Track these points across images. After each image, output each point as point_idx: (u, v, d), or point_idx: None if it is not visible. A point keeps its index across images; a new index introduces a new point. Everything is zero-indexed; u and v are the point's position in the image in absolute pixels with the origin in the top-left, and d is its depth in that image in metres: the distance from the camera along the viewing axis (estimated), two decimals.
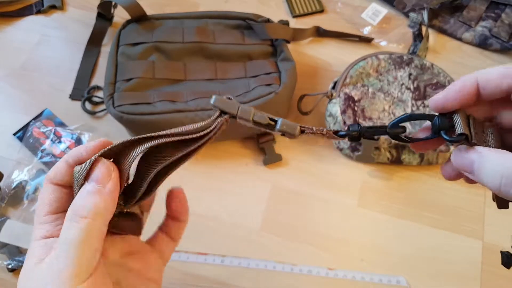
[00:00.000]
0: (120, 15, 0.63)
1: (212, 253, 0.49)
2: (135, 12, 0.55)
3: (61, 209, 0.25)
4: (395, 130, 0.25)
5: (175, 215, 0.32)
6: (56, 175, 0.25)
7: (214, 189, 0.53)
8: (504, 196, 0.21)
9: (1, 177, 0.52)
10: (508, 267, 0.25)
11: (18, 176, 0.53)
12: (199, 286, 0.47)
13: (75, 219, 0.22)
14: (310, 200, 0.53)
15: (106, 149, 0.24)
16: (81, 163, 0.24)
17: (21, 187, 0.52)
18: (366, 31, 0.66)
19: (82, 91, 0.59)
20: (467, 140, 0.23)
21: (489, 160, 0.21)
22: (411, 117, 0.25)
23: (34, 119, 0.57)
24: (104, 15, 0.63)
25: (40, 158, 0.54)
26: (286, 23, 0.59)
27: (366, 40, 0.65)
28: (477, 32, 0.64)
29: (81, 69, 0.60)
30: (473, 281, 0.49)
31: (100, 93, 0.59)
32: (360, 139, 0.26)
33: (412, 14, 0.61)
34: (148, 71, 0.52)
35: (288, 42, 0.57)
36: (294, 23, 0.66)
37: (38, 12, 0.65)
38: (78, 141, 0.56)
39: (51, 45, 0.63)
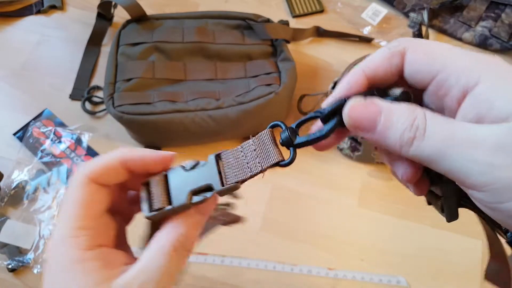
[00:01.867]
0: (120, 15, 0.63)
1: (212, 253, 0.49)
2: (135, 12, 0.55)
3: (103, 211, 0.23)
4: (328, 128, 0.21)
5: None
6: (104, 175, 0.22)
7: None
8: (406, 156, 0.18)
9: (1, 177, 0.52)
10: None
11: (18, 176, 0.53)
12: (199, 286, 0.47)
13: (182, 253, 0.21)
14: (310, 200, 0.53)
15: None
16: (143, 169, 0.23)
17: (21, 187, 0.52)
18: (366, 31, 0.66)
19: (82, 91, 0.59)
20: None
21: (396, 114, 0.18)
22: (301, 122, 0.22)
23: (34, 119, 0.57)
24: (104, 15, 0.63)
25: (40, 158, 0.54)
26: (286, 23, 0.59)
27: (366, 40, 0.65)
28: (477, 32, 0.64)
29: (81, 69, 0.60)
30: (473, 281, 0.49)
31: (100, 93, 0.59)
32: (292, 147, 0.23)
33: (412, 14, 0.61)
34: (148, 71, 0.52)
35: (288, 42, 0.57)
36: (294, 23, 0.66)
37: (38, 12, 0.65)
38: (78, 141, 0.56)
39: (51, 45, 0.63)
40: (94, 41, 0.62)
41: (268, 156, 0.22)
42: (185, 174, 0.23)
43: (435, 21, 0.66)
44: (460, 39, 0.65)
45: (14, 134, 0.56)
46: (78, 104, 0.58)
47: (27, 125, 0.56)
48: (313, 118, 0.22)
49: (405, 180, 0.22)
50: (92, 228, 0.21)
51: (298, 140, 0.22)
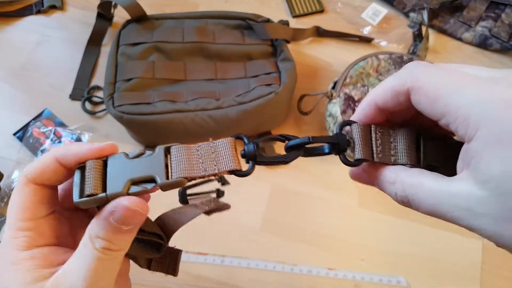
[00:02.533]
0: (120, 15, 0.63)
1: (212, 253, 0.49)
2: (135, 12, 0.55)
3: (44, 213, 0.22)
4: (291, 156, 0.23)
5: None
6: (42, 174, 0.22)
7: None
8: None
9: (1, 177, 0.52)
10: None
11: (18, 176, 0.53)
12: (199, 286, 0.47)
13: (106, 253, 0.20)
14: (310, 200, 0.53)
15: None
16: (78, 163, 0.21)
17: None
18: (366, 31, 0.66)
19: (82, 91, 0.58)
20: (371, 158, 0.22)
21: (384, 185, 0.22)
22: (312, 140, 0.22)
23: (34, 119, 0.57)
24: (104, 15, 0.63)
25: None
26: (286, 23, 0.59)
27: (366, 40, 0.65)
28: (477, 32, 0.64)
29: (81, 69, 0.60)
30: (473, 281, 0.49)
31: (100, 93, 0.59)
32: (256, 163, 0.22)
33: (412, 14, 0.61)
34: (148, 71, 0.52)
35: (288, 42, 0.57)
36: (294, 23, 0.66)
37: (38, 12, 0.65)
38: (78, 141, 0.56)
39: (51, 45, 0.63)
40: (94, 41, 0.62)
41: (227, 162, 0.21)
42: (127, 162, 0.21)
43: (435, 21, 0.66)
44: (460, 39, 0.65)
45: (14, 134, 0.56)
46: (78, 104, 0.58)
47: (27, 125, 0.56)
48: (277, 140, 0.23)
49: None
50: (31, 229, 0.21)
51: (262, 158, 0.22)
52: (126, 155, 0.21)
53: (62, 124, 0.57)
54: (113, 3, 0.61)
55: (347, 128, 0.23)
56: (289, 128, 0.58)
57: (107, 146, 0.22)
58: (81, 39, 0.63)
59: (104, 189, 0.20)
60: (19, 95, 0.59)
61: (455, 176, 0.19)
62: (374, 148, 0.22)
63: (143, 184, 0.20)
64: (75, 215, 0.25)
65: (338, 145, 0.22)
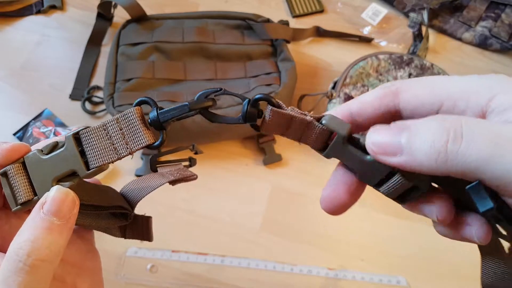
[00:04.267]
0: (120, 15, 0.63)
1: (212, 253, 0.49)
2: (135, 12, 0.55)
3: None
4: (199, 103, 0.20)
5: None
6: None
7: (214, 189, 0.53)
8: (440, 173, 0.16)
9: None
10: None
11: None
12: (199, 286, 0.47)
13: (30, 262, 0.18)
14: (310, 200, 0.53)
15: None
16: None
17: None
18: (366, 31, 0.66)
19: (82, 91, 0.58)
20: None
21: (422, 124, 0.16)
22: (224, 92, 0.20)
23: (34, 119, 0.57)
24: (104, 15, 0.63)
25: None
26: (286, 23, 0.59)
27: (366, 40, 0.65)
28: (477, 32, 0.64)
29: (81, 69, 0.60)
30: (473, 281, 0.49)
31: (100, 93, 0.58)
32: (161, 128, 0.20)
33: (412, 14, 0.61)
34: (148, 71, 0.52)
35: (288, 42, 0.57)
36: (294, 23, 0.66)
37: (38, 12, 0.65)
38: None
39: (51, 45, 0.63)
40: (94, 41, 0.62)
41: (137, 137, 0.20)
42: (44, 161, 0.21)
43: (435, 21, 0.66)
44: (460, 39, 0.65)
45: (14, 134, 0.56)
46: (78, 104, 0.58)
47: (27, 125, 0.56)
48: (240, 97, 0.21)
49: (441, 220, 0.19)
50: None
51: (164, 115, 0.20)
52: (41, 151, 0.21)
53: (62, 124, 0.57)
54: (113, 3, 0.61)
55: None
56: None
57: (17, 146, 0.21)
58: (81, 39, 0.63)
59: (34, 192, 0.21)
60: (19, 95, 0.59)
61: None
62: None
63: (68, 179, 0.20)
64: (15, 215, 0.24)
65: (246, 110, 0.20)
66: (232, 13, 0.57)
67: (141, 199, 0.25)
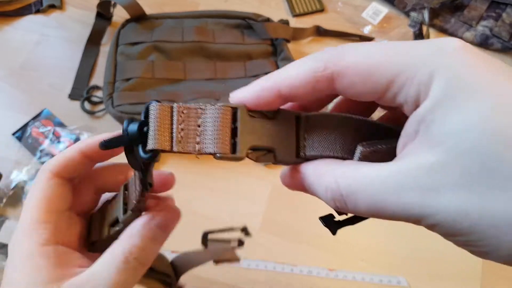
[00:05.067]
0: (120, 14, 0.63)
1: None
2: (134, 12, 0.55)
3: (65, 207, 0.22)
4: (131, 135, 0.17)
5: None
6: (66, 167, 0.22)
7: (214, 189, 0.53)
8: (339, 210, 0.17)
9: (0, 177, 0.51)
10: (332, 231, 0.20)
11: (17, 176, 0.53)
12: (198, 287, 0.47)
13: (136, 266, 0.20)
14: (310, 200, 0.53)
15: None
16: (103, 154, 0.22)
17: (20, 187, 0.52)
18: (366, 30, 0.66)
19: (81, 91, 0.58)
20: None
21: (309, 175, 0.17)
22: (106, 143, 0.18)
23: (33, 119, 0.56)
24: (103, 15, 0.63)
25: (39, 158, 0.54)
26: (286, 22, 0.59)
27: (366, 40, 0.64)
28: (478, 32, 0.64)
29: (80, 69, 0.60)
30: (473, 281, 0.49)
31: (99, 93, 0.58)
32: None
33: (412, 14, 0.61)
34: (147, 71, 0.52)
35: (288, 41, 0.56)
36: (294, 23, 0.66)
37: (37, 11, 0.65)
38: (77, 141, 0.55)
39: (50, 45, 0.62)
40: (93, 40, 0.62)
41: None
42: None
43: (435, 20, 0.65)
44: (461, 39, 0.65)
45: (13, 134, 0.56)
46: (77, 104, 0.58)
47: (26, 125, 0.56)
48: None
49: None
50: (52, 223, 0.21)
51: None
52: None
53: (61, 124, 0.56)
54: (112, 2, 0.61)
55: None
56: None
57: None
58: (80, 39, 0.62)
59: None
60: (18, 94, 0.59)
61: (396, 157, 0.15)
62: (175, 135, 0.17)
63: None
64: (82, 220, 0.24)
65: (128, 136, 0.17)
66: (232, 13, 0.57)
67: (187, 271, 0.26)
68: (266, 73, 0.52)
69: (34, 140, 0.55)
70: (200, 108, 0.17)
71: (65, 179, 0.22)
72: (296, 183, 0.19)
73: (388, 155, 0.17)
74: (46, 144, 0.55)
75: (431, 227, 0.15)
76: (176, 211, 0.22)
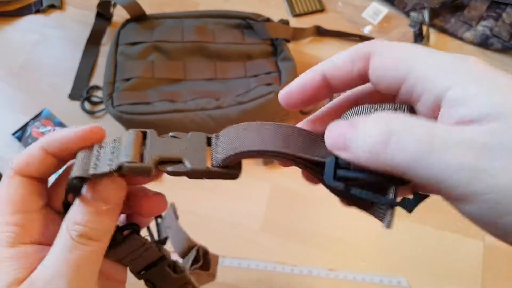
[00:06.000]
0: (120, 14, 0.63)
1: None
2: (134, 12, 0.55)
3: (36, 206, 0.21)
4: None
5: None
6: (28, 165, 0.21)
7: (214, 189, 0.53)
8: (383, 170, 0.16)
9: (0, 177, 0.51)
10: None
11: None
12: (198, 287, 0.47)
13: (83, 241, 0.19)
14: (310, 200, 0.53)
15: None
16: (66, 152, 0.21)
17: None
18: (366, 30, 0.66)
19: (81, 91, 0.58)
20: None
21: (363, 124, 0.17)
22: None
23: (33, 119, 0.56)
24: (103, 15, 0.63)
25: None
26: (286, 22, 0.59)
27: (366, 40, 0.64)
28: (478, 32, 0.63)
29: (80, 69, 0.60)
30: (474, 281, 0.49)
31: (99, 93, 0.58)
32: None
33: (413, 14, 0.61)
34: (147, 71, 0.52)
35: (288, 41, 0.56)
36: (294, 23, 0.66)
37: (37, 11, 0.65)
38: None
39: (50, 45, 0.62)
40: (93, 40, 0.62)
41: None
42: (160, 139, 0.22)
43: (436, 20, 0.65)
44: (461, 39, 0.65)
45: (13, 134, 0.56)
46: (77, 104, 0.58)
47: (26, 125, 0.56)
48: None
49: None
50: (18, 224, 0.20)
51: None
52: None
53: (61, 124, 0.56)
54: (112, 2, 0.61)
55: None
56: None
57: (94, 128, 0.21)
58: (80, 39, 0.62)
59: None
60: (18, 95, 0.58)
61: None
62: (91, 164, 0.20)
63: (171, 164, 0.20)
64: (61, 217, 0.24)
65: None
66: (232, 12, 0.57)
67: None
68: (266, 73, 0.53)
69: (34, 140, 0.55)
70: (115, 139, 0.20)
71: (33, 178, 0.21)
72: (340, 130, 0.18)
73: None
74: None
75: (472, 199, 0.14)
76: (117, 180, 0.20)
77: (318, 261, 0.49)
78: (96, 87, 0.59)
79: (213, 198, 0.52)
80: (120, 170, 0.19)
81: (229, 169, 0.21)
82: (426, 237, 0.51)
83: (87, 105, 0.58)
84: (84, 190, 0.20)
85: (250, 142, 0.19)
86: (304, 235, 0.51)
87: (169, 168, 0.20)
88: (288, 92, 0.20)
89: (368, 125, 0.16)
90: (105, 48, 0.62)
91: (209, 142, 0.21)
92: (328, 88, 0.20)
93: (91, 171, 0.19)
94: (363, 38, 0.64)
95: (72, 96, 0.58)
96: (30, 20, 0.64)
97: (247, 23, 0.56)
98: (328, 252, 0.50)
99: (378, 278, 0.48)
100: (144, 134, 0.21)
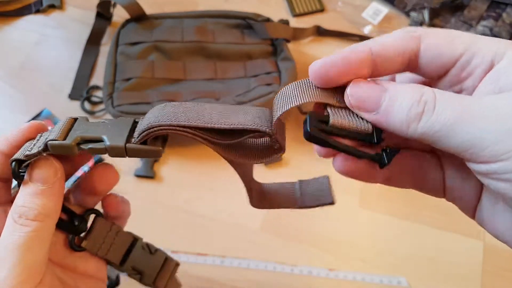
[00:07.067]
0: (120, 14, 0.63)
1: (212, 254, 0.49)
2: (134, 11, 0.55)
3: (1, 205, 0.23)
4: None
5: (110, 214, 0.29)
6: None
7: (214, 189, 0.53)
8: (407, 137, 0.17)
9: None
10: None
11: None
12: (198, 287, 0.47)
13: (22, 222, 0.20)
14: None
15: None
16: (18, 150, 0.22)
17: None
18: (366, 30, 0.66)
19: (81, 90, 0.58)
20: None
21: (402, 91, 0.17)
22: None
23: (32, 118, 0.56)
24: (103, 14, 0.63)
25: None
26: (286, 22, 0.59)
27: (366, 40, 0.64)
28: (478, 32, 0.63)
29: (80, 69, 0.60)
30: (474, 282, 0.49)
31: (99, 93, 0.58)
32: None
33: (413, 14, 0.61)
34: (147, 71, 0.52)
35: (288, 41, 0.56)
36: (294, 22, 0.66)
37: (37, 11, 0.65)
38: None
39: (50, 45, 0.62)
40: (93, 40, 0.62)
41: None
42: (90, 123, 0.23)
43: (436, 20, 0.65)
44: None
45: None
46: (77, 104, 0.58)
47: None
48: None
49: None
50: None
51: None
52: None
53: None
54: (112, 2, 0.61)
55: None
56: (289, 128, 0.57)
57: (32, 126, 0.23)
58: (80, 39, 0.62)
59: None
60: (18, 94, 0.58)
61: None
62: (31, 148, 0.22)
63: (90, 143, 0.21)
64: None
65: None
66: (232, 12, 0.57)
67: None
68: (266, 73, 0.53)
69: None
70: (51, 128, 0.23)
71: None
72: (372, 91, 0.18)
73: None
74: None
75: (497, 159, 0.15)
76: (50, 161, 0.22)
77: (318, 261, 0.49)
78: (96, 87, 0.59)
79: (213, 198, 0.52)
80: (46, 149, 0.21)
81: (149, 146, 0.21)
82: (426, 237, 0.51)
83: (87, 105, 0.58)
84: (28, 174, 0.22)
85: (164, 117, 0.20)
86: (304, 235, 0.51)
87: (89, 145, 0.21)
88: (327, 63, 0.18)
89: (408, 95, 0.17)
90: (105, 48, 0.62)
91: (135, 124, 0.22)
92: (370, 68, 0.19)
93: (26, 153, 0.21)
94: (363, 38, 0.64)
95: (72, 96, 0.58)
96: (30, 20, 0.64)
97: (247, 23, 0.56)
98: (328, 252, 0.50)
99: (378, 278, 0.48)
100: (75, 120, 0.23)
